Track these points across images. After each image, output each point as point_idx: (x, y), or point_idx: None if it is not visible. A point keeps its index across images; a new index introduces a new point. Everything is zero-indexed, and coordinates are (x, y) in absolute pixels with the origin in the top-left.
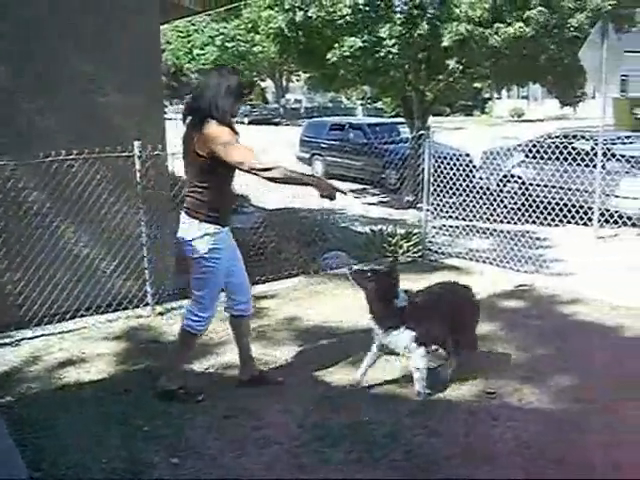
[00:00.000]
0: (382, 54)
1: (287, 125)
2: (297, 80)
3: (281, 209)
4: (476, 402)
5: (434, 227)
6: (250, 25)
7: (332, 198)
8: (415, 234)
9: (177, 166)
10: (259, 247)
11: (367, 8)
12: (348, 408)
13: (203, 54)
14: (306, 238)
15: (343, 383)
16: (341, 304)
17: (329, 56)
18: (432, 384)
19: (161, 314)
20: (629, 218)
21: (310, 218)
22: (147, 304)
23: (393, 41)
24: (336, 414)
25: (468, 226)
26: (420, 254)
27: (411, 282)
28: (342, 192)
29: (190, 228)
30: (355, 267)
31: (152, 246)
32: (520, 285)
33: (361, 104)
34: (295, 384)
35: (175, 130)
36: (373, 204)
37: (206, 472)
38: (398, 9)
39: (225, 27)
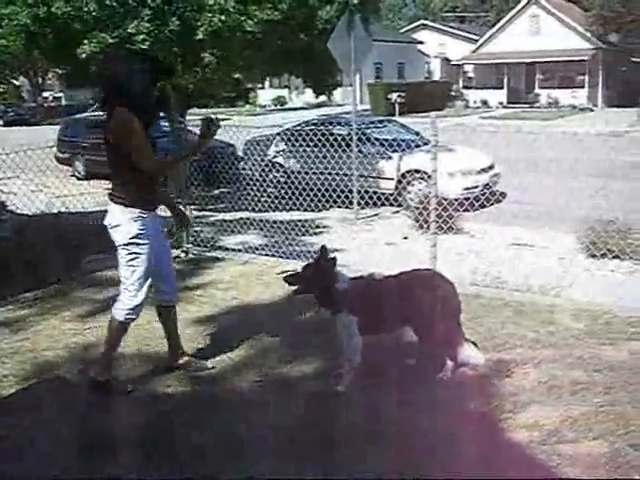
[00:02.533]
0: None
1: (46, 124)
2: (52, 77)
3: (42, 214)
4: None
5: (197, 220)
6: None
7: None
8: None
9: None
10: (14, 257)
11: (115, 4)
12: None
13: None
14: (70, 242)
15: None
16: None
17: (79, 52)
18: None
19: None
20: (387, 199)
21: (72, 221)
22: None
23: (142, 37)
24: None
25: (236, 218)
26: (184, 249)
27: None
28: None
29: (115, 213)
30: (284, 276)
31: None
32: (282, 272)
33: None
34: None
35: None
36: None
37: None
38: (148, 4)
39: None
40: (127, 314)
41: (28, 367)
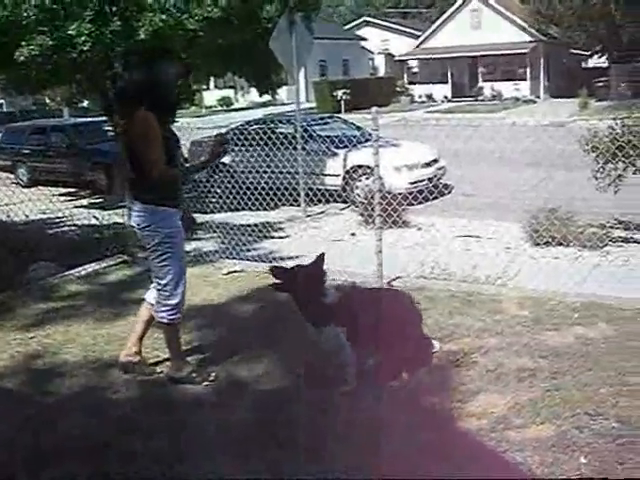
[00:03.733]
0: (75, 53)
1: None
2: None
3: None
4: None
5: None
6: None
7: None
8: (122, 234)
9: None
10: None
11: (54, 6)
12: None
13: None
14: (10, 251)
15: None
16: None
17: (16, 55)
18: None
19: None
20: (334, 195)
21: (15, 230)
22: None
23: (83, 38)
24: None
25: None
26: (129, 253)
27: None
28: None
29: (145, 214)
30: (274, 265)
31: None
32: (229, 272)
33: (66, 104)
34: None
35: None
36: (84, 207)
37: None
38: (91, 6)
39: None
40: (170, 315)
41: None
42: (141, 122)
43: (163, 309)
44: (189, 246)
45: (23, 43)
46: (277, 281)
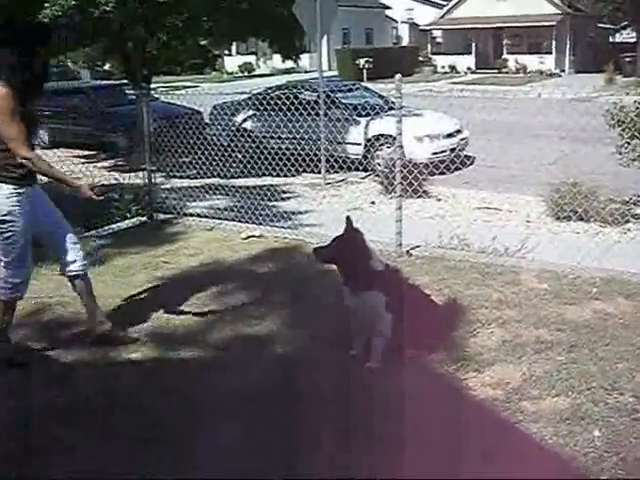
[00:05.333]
0: (97, 14)
1: None
2: None
3: None
4: None
5: (164, 188)
6: None
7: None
8: (143, 196)
9: None
10: None
11: None
12: None
13: None
14: None
15: None
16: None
17: (40, 17)
18: None
19: None
20: (352, 162)
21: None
22: None
23: None
24: None
25: (203, 185)
26: (149, 215)
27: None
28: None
29: None
30: (315, 247)
31: None
32: (249, 236)
33: (88, 67)
34: None
35: None
36: (104, 168)
37: None
38: None
39: None
40: (10, 293)
41: None
42: None
43: (3, 285)
44: (209, 210)
45: (46, 4)
46: (324, 259)
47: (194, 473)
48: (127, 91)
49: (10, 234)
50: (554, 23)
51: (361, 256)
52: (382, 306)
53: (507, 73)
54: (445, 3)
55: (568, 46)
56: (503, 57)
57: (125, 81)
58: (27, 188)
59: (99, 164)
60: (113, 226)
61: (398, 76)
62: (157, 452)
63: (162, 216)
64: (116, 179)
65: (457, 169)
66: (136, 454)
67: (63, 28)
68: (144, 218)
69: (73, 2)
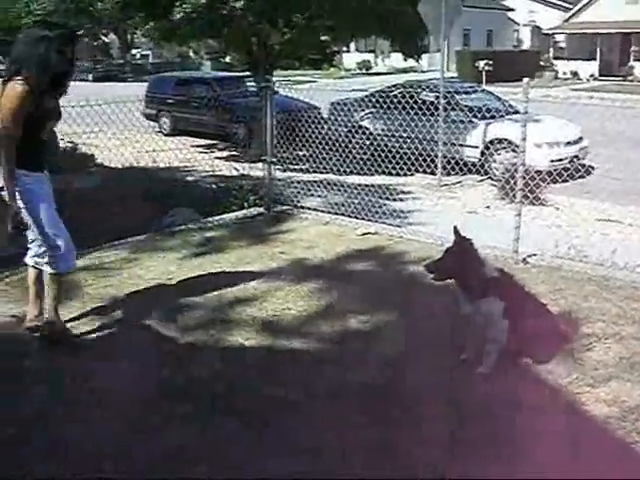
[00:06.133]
0: (226, 10)
1: (134, 81)
2: (142, 35)
3: (129, 168)
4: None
5: (280, 180)
6: None
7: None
8: (262, 187)
9: None
10: (101, 206)
11: None
12: None
13: (39, 7)
14: (153, 196)
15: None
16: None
17: (173, 13)
18: None
19: None
20: (473, 165)
21: (158, 175)
22: None
23: None
24: None
25: (319, 180)
26: (266, 206)
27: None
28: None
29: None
30: (424, 264)
31: None
32: (364, 233)
33: (209, 58)
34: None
35: None
36: (222, 159)
37: None
38: None
39: None
40: (62, 264)
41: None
42: (8, 89)
43: (52, 259)
44: (325, 205)
45: (177, 2)
46: (437, 276)
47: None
48: (248, 83)
49: (32, 203)
50: None
51: (474, 264)
52: (497, 313)
53: (632, 81)
54: (570, 6)
55: None
56: (629, 64)
57: (246, 73)
58: (38, 173)
59: (214, 154)
60: (231, 215)
61: (526, 80)
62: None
63: (279, 208)
64: (236, 169)
65: (577, 178)
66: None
67: (192, 22)
68: (261, 209)
69: (203, 1)
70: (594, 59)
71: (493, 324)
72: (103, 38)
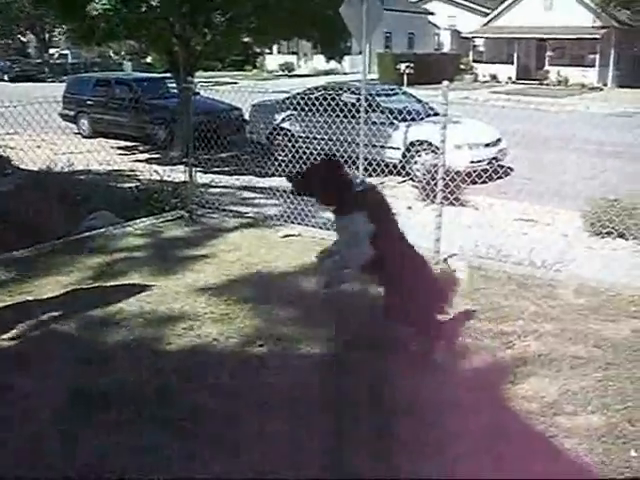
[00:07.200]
0: (144, 8)
1: (53, 81)
2: (59, 34)
3: (46, 170)
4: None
5: (202, 184)
6: None
7: None
8: (183, 190)
9: None
10: (15, 212)
11: None
12: None
13: None
14: (71, 199)
15: None
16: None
17: (88, 9)
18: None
19: None
20: (394, 166)
21: (76, 178)
22: None
23: None
24: None
25: (241, 182)
26: (188, 209)
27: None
28: None
29: None
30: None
31: None
32: (286, 235)
33: (130, 59)
34: None
35: None
36: (143, 161)
37: None
38: None
39: None
40: None
41: None
42: None
43: None
44: (248, 208)
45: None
46: (296, 186)
47: None
48: (169, 84)
49: None
50: (599, 36)
51: (339, 177)
52: (365, 223)
53: (548, 85)
54: (489, 11)
55: (612, 60)
56: (545, 68)
57: (167, 74)
58: None
59: (135, 157)
60: (152, 218)
61: (445, 83)
62: None
63: (200, 211)
64: (156, 172)
65: (495, 179)
66: None
67: (109, 20)
68: (183, 212)
69: None
70: (512, 63)
71: (356, 245)
72: (20, 37)
